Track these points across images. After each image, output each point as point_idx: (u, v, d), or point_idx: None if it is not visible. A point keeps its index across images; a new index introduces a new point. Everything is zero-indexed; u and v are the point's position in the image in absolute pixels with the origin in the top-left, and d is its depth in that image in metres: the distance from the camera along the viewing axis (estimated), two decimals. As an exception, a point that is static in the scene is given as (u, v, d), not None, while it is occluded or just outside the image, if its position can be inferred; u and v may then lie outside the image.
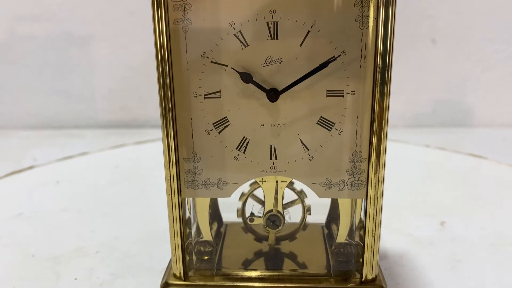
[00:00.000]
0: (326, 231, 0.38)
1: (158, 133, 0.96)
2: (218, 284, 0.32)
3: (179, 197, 0.31)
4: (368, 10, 0.27)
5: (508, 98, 0.91)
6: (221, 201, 0.39)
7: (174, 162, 0.30)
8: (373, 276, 0.32)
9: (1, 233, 0.45)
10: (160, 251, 0.41)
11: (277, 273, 0.33)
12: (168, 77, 0.28)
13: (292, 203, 0.35)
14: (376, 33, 0.27)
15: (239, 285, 0.32)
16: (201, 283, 0.32)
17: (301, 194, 0.35)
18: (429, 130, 0.90)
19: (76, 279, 0.37)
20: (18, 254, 0.41)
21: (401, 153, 0.67)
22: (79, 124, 0.94)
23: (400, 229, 0.45)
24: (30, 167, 0.62)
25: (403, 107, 0.92)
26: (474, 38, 0.87)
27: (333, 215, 0.37)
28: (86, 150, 0.74)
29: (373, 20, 0.28)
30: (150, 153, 0.69)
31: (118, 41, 0.90)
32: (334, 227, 0.36)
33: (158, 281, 0.34)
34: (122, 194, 0.54)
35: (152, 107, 0.93)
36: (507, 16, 0.85)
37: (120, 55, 0.90)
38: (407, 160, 0.64)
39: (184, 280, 0.32)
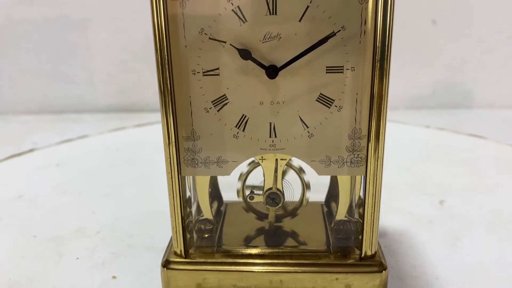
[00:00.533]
0: (325, 209, 0.38)
1: (158, 116, 0.96)
2: (218, 261, 0.32)
3: (179, 176, 0.31)
4: None
5: (508, 79, 0.91)
6: (221, 181, 0.39)
7: (173, 141, 0.30)
8: (373, 252, 0.32)
9: (2, 215, 0.45)
10: (160, 231, 0.41)
11: (277, 250, 0.33)
12: (166, 54, 0.28)
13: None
14: (376, 7, 0.27)
15: (240, 262, 0.32)
16: (202, 260, 0.32)
17: (300, 172, 0.35)
18: (429, 111, 0.90)
19: (77, 258, 0.38)
20: (19, 235, 0.41)
21: (401, 133, 0.67)
22: (78, 108, 0.94)
23: (400, 208, 0.45)
24: (30, 150, 0.62)
25: (403, 89, 0.92)
26: (475, 19, 0.87)
27: (333, 193, 0.37)
28: (85, 134, 0.74)
29: None
30: (150, 136, 0.69)
31: (117, 24, 0.89)
32: (333, 205, 0.37)
33: (159, 260, 0.34)
34: (122, 176, 0.54)
35: (152, 91, 0.93)
36: None
37: (118, 38, 0.90)
38: (407, 141, 0.64)
39: (185, 258, 0.32)
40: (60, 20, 0.88)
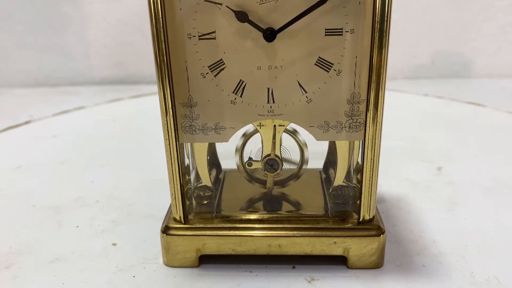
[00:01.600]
0: (323, 175, 0.38)
1: (154, 88, 0.95)
2: (217, 226, 0.32)
3: (177, 142, 0.31)
4: None
5: (508, 48, 0.90)
6: (219, 148, 0.38)
7: (170, 107, 0.30)
8: (371, 216, 0.32)
9: (2, 185, 0.45)
10: (158, 199, 0.42)
11: (275, 215, 0.33)
12: (160, 18, 0.27)
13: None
14: None
15: (238, 227, 0.32)
16: (201, 225, 0.32)
17: (299, 140, 0.34)
18: (428, 81, 0.90)
19: (77, 226, 0.38)
20: (19, 205, 0.41)
21: (399, 102, 0.67)
22: (74, 81, 0.93)
23: (398, 175, 0.45)
24: (27, 122, 0.62)
25: (402, 59, 0.91)
26: None
27: (331, 159, 0.37)
28: (82, 105, 0.73)
29: None
30: (146, 107, 0.69)
31: None
32: (331, 171, 0.37)
33: (158, 227, 0.35)
34: (119, 146, 0.54)
35: (148, 63, 0.92)
36: None
37: (113, 9, 0.88)
38: (406, 109, 0.64)
39: (184, 224, 0.32)
40: None
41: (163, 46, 0.28)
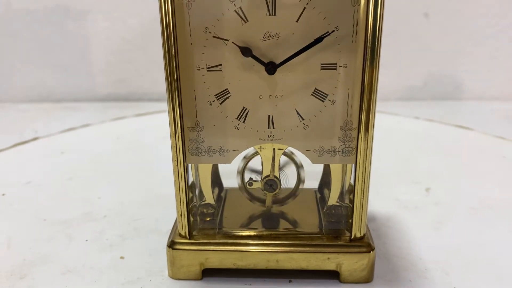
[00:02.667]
0: (318, 195, 0.41)
1: (156, 106, 0.98)
2: (220, 241, 0.35)
3: (184, 163, 0.33)
4: None
5: (499, 71, 0.93)
6: (221, 169, 0.41)
7: (179, 131, 0.32)
8: (362, 234, 0.35)
9: (13, 200, 0.47)
10: (163, 215, 0.44)
11: (273, 232, 0.36)
12: (173, 51, 0.30)
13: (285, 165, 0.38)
14: (367, 10, 0.30)
15: (239, 242, 0.35)
16: (204, 241, 0.35)
17: (295, 159, 0.37)
18: (421, 103, 0.93)
19: (87, 240, 0.40)
20: (30, 219, 0.44)
21: (391, 124, 0.70)
22: (77, 97, 0.96)
23: (388, 195, 0.48)
24: (34, 139, 0.65)
25: (396, 81, 0.94)
26: (466, 12, 0.89)
27: (325, 180, 0.40)
28: (85, 123, 0.76)
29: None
30: (150, 125, 0.72)
31: (115, 14, 0.90)
32: (326, 191, 0.39)
33: (164, 242, 0.37)
34: (125, 163, 0.57)
35: (150, 80, 0.95)
36: None
37: (117, 28, 0.91)
38: (397, 131, 0.67)
39: (189, 239, 0.35)
40: (60, 10, 0.89)
41: (175, 76, 0.31)
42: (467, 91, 0.95)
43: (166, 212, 0.44)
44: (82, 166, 0.56)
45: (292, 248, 0.35)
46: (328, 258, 0.34)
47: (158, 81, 0.94)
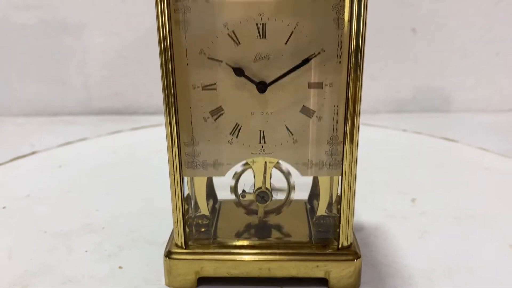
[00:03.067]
0: (308, 206, 0.43)
1: (151, 119, 1.00)
2: (214, 251, 0.37)
3: (180, 176, 0.35)
4: (344, 13, 0.32)
5: (485, 83, 0.95)
6: (216, 181, 0.43)
7: (176, 146, 0.34)
8: (348, 243, 0.37)
9: (13, 213, 0.49)
10: (159, 227, 0.46)
11: (265, 242, 0.38)
12: (170, 72, 0.33)
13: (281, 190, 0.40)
14: (350, 33, 0.32)
15: (233, 252, 0.37)
16: (200, 250, 0.37)
17: (286, 173, 0.40)
18: (410, 115, 0.95)
19: (86, 251, 0.42)
20: (31, 231, 0.45)
21: (380, 137, 0.73)
22: (73, 111, 0.97)
23: (376, 205, 0.50)
24: (33, 153, 0.66)
25: (385, 94, 0.96)
26: (452, 26, 0.91)
27: (314, 192, 0.42)
28: (82, 136, 0.78)
29: (348, 22, 0.32)
30: (145, 139, 0.73)
31: (110, 29, 0.92)
32: (315, 202, 0.41)
33: (160, 252, 0.39)
34: (122, 176, 0.59)
35: (145, 94, 0.97)
36: (482, 4, 0.90)
37: (112, 43, 0.93)
38: (386, 144, 0.70)
39: (185, 249, 0.37)
40: (56, 25, 0.91)
41: (172, 95, 0.33)
42: (454, 104, 0.97)
43: (162, 223, 0.46)
44: (80, 179, 0.58)
45: (283, 257, 0.37)
46: (317, 266, 0.36)
47: (153, 94, 0.96)
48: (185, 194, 0.39)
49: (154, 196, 0.52)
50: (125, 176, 0.59)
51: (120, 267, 0.40)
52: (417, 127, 0.81)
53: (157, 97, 0.97)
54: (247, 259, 0.37)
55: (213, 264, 0.37)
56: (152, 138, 0.72)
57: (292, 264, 0.36)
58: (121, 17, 0.91)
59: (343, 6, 0.32)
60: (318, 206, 0.39)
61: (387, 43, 0.92)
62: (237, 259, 0.37)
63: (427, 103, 0.97)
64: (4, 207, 0.50)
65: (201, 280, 0.37)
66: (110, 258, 0.41)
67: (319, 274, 0.37)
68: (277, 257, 0.37)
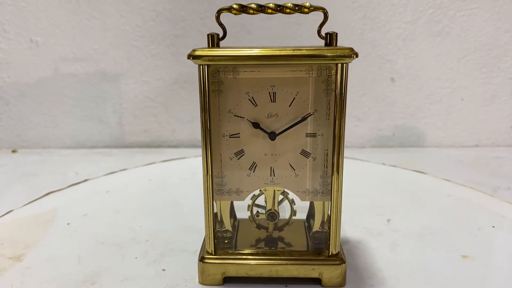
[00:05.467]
0: (306, 224, 0.50)
1: (174, 152, 1.07)
2: (236, 257, 0.43)
3: (212, 200, 0.42)
4: (331, 85, 0.40)
5: (452, 124, 1.01)
6: (236, 204, 0.50)
7: (210, 177, 0.41)
8: (336, 251, 0.42)
9: (76, 228, 0.56)
10: (190, 240, 0.52)
11: (274, 251, 0.43)
12: (208, 124, 0.39)
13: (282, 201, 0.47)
14: (335, 99, 0.40)
15: (250, 258, 0.43)
16: (225, 256, 0.42)
17: (290, 201, 0.47)
18: (390, 149, 1.00)
19: (136, 257, 0.49)
20: (91, 242, 0.53)
21: (363, 169, 0.79)
22: (108, 144, 1.03)
23: (359, 224, 0.57)
24: (85, 180, 0.74)
25: (369, 132, 1.01)
26: (424, 77, 0.97)
27: (311, 213, 0.49)
28: (118, 165, 0.84)
29: (333, 91, 0.40)
30: (173, 170, 0.81)
31: (141, 78, 0.98)
32: (311, 221, 0.48)
33: (193, 258, 0.46)
34: (157, 200, 0.65)
35: (168, 131, 1.02)
36: (448, 60, 0.96)
37: (143, 89, 0.99)
38: (368, 175, 0.76)
39: (214, 255, 0.43)
40: (98, 74, 0.98)
41: (209, 141, 0.40)
42: (427, 140, 1.01)
43: (192, 237, 0.53)
44: (124, 202, 0.64)
45: (287, 262, 0.42)
46: (313, 269, 0.42)
47: (176, 131, 1.01)
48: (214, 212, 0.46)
49: (184, 216, 0.60)
50: (160, 200, 0.66)
51: (163, 270, 0.46)
52: (395, 161, 0.86)
53: (179, 133, 1.04)
54: (260, 263, 0.42)
55: (235, 267, 0.42)
56: (179, 169, 0.80)
57: (294, 267, 0.42)
58: (150, 69, 0.98)
59: (330, 81, 0.40)
60: (314, 223, 0.46)
61: (370, 90, 0.99)
62: (253, 263, 0.42)
63: (404, 140, 1.02)
64: (68, 224, 0.58)
65: (226, 278, 0.43)
66: (155, 263, 0.47)
67: (315, 275, 0.42)
68: (283, 262, 0.42)
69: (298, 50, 0.37)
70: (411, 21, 0.96)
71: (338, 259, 0.42)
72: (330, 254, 0.42)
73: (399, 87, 0.99)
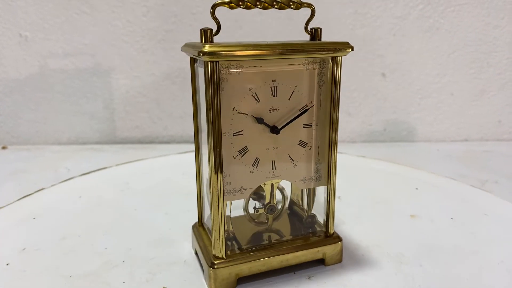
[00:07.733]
0: (288, 211, 0.51)
1: (165, 147, 1.10)
2: (247, 256, 0.43)
3: (223, 201, 0.40)
4: (323, 78, 0.41)
5: (442, 118, 1.04)
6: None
7: (220, 177, 0.39)
8: (332, 232, 0.46)
9: (22, 267, 0.46)
10: (171, 251, 0.49)
11: (280, 242, 0.45)
12: (212, 123, 0.38)
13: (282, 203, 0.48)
14: (331, 90, 0.42)
15: (260, 254, 0.43)
16: (236, 258, 0.42)
17: (281, 189, 0.48)
18: (381, 144, 1.02)
19: (124, 282, 0.42)
20: (56, 279, 0.43)
21: (356, 163, 0.83)
22: (100, 140, 1.03)
23: (348, 210, 0.60)
24: (70, 178, 0.75)
25: (360, 126, 1.04)
26: (414, 72, 1.00)
27: (292, 202, 0.51)
28: (108, 161, 0.84)
29: (326, 83, 0.41)
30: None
31: (133, 73, 0.99)
32: (295, 208, 0.50)
33: (187, 269, 0.44)
34: (106, 217, 0.59)
35: (160, 127, 1.03)
36: (438, 56, 0.99)
37: (135, 84, 1.00)
38: (360, 169, 0.80)
39: (226, 259, 0.42)
40: (89, 69, 0.98)
41: (216, 139, 0.38)
42: (418, 135, 1.04)
43: (170, 249, 0.49)
44: (70, 225, 0.56)
45: (296, 249, 0.45)
46: (318, 251, 0.45)
47: (167, 127, 1.02)
48: (206, 217, 0.46)
49: (143, 229, 0.53)
50: (109, 217, 0.58)
51: (165, 287, 0.42)
52: (386, 154, 0.90)
53: (171, 129, 1.06)
54: (271, 255, 0.43)
55: (248, 265, 0.42)
56: (161, 167, 0.80)
57: (302, 253, 0.45)
58: (142, 64, 0.99)
59: (324, 73, 0.41)
60: (306, 210, 0.48)
61: (361, 86, 1.01)
62: (264, 257, 0.43)
63: (395, 134, 1.05)
64: (7, 264, 0.47)
65: (239, 279, 0.42)
66: (151, 283, 0.42)
67: (319, 256, 0.45)
68: (291, 250, 0.44)
69: (305, 44, 0.39)
70: (402, 16, 0.99)
71: (336, 237, 0.46)
72: (328, 234, 0.46)
73: (389, 82, 1.02)
